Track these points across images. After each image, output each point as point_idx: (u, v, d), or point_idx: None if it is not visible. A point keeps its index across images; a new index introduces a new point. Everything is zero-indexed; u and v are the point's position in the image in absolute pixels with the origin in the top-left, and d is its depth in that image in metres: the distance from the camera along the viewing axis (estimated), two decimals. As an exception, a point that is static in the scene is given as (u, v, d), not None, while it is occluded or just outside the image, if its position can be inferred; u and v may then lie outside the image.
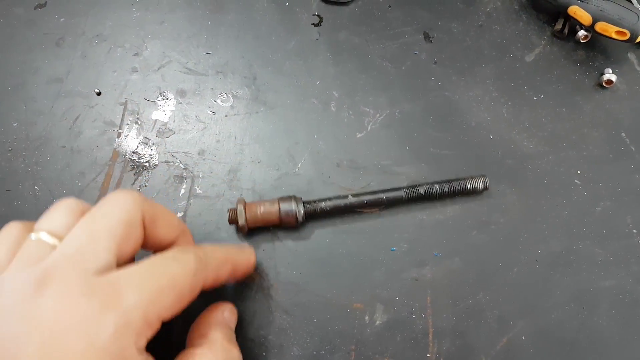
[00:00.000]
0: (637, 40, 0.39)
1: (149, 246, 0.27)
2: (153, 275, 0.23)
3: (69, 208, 0.25)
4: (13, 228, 0.25)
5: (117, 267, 0.23)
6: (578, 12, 0.40)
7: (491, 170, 0.38)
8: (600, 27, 0.40)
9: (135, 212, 0.25)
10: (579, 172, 0.38)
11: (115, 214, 0.24)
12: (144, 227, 0.26)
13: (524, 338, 0.33)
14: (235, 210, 0.33)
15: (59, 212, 0.25)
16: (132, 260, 0.26)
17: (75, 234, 0.23)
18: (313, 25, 0.44)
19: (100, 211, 0.24)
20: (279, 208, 0.33)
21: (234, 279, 0.29)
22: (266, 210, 0.33)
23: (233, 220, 0.34)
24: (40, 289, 0.21)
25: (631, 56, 0.43)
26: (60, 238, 0.24)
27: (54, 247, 0.23)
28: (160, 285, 0.23)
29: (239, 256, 0.30)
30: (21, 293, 0.21)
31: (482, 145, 0.39)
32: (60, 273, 0.21)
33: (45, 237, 0.24)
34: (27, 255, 0.23)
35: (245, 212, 0.33)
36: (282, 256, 0.35)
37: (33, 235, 0.24)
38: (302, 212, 0.34)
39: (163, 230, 0.27)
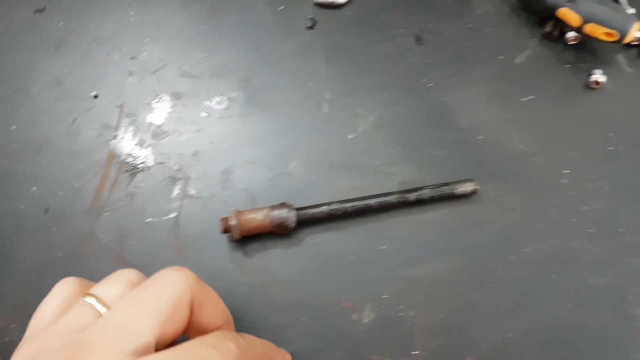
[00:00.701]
0: (626, 41, 0.40)
1: (190, 331, 0.25)
2: None
3: (127, 278, 0.25)
4: (68, 285, 0.25)
5: (157, 348, 0.22)
6: (567, 14, 0.41)
7: (483, 170, 0.38)
8: (589, 28, 0.40)
9: (185, 292, 0.24)
10: (568, 171, 0.38)
11: (165, 291, 0.23)
12: (191, 310, 0.24)
13: (517, 336, 0.33)
14: (227, 220, 0.34)
15: (115, 281, 0.25)
16: (173, 342, 0.24)
17: (120, 307, 0.23)
18: (307, 29, 0.44)
19: (150, 286, 0.24)
20: (272, 219, 0.34)
21: None
22: (259, 223, 0.34)
23: (226, 231, 0.34)
24: None
25: (620, 57, 0.43)
26: (109, 307, 0.24)
27: (100, 315, 0.23)
28: None
29: (276, 354, 0.29)
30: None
31: (474, 145, 0.39)
32: (97, 349, 0.21)
33: (95, 303, 0.24)
34: (72, 319, 0.23)
35: (238, 226, 0.34)
36: (274, 254, 0.35)
37: (86, 299, 0.24)
38: (295, 221, 0.35)
39: (209, 316, 0.25)
